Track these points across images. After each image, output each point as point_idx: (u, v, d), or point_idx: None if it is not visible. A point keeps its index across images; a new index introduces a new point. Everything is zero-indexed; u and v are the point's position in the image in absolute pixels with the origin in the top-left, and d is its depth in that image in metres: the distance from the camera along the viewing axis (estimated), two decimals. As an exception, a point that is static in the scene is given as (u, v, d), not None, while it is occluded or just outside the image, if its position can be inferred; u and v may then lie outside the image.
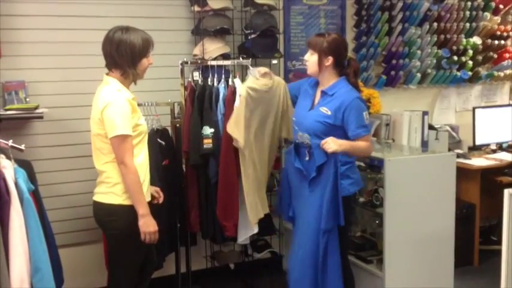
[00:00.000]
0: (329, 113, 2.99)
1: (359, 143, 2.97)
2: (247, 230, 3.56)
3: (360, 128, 2.97)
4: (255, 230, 3.53)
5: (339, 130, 2.99)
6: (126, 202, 2.69)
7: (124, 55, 2.68)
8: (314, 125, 3.02)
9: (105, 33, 2.73)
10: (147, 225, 2.69)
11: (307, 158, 3.06)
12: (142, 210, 2.67)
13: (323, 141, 2.87)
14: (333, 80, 3.07)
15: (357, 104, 2.98)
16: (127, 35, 2.69)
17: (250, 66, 3.50)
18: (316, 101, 3.11)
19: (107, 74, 2.76)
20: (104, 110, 2.62)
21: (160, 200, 3.01)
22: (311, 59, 3.07)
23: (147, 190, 2.78)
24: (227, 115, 3.44)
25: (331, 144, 2.84)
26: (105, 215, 2.74)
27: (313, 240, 3.00)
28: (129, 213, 2.68)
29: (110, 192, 2.71)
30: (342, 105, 2.96)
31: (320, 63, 3.03)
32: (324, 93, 3.07)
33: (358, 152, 3.05)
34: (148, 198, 2.81)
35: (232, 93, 3.51)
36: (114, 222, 2.71)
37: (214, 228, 3.62)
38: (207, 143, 3.46)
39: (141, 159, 2.73)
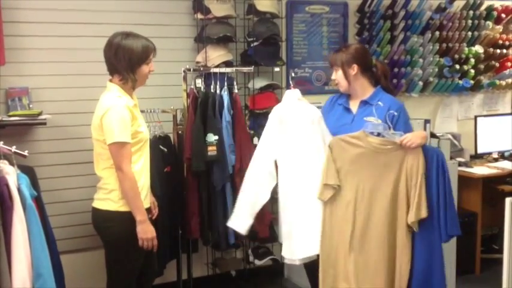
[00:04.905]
0: (379, 121, 2.85)
1: None
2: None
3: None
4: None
5: None
6: (123, 209, 2.69)
7: (122, 60, 2.68)
8: None
9: (109, 40, 2.75)
10: (145, 232, 2.69)
11: None
12: (140, 216, 2.67)
13: (402, 138, 2.76)
14: (370, 89, 3.02)
15: (404, 110, 2.97)
16: (126, 41, 2.69)
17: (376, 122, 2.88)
18: (355, 112, 3.01)
19: (110, 80, 2.78)
20: (103, 116, 2.63)
21: (155, 215, 2.95)
22: (337, 75, 3.02)
23: (145, 196, 2.78)
24: (236, 121, 3.51)
25: (414, 139, 2.75)
26: (102, 221, 2.74)
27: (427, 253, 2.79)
28: (125, 219, 2.68)
29: (107, 198, 2.72)
30: (390, 110, 2.88)
31: (346, 74, 2.98)
32: (365, 102, 2.99)
33: None
34: (148, 205, 2.81)
35: (237, 100, 3.54)
36: (110, 229, 2.72)
37: (218, 235, 3.62)
38: (212, 150, 3.46)
39: (139, 166, 2.73)
